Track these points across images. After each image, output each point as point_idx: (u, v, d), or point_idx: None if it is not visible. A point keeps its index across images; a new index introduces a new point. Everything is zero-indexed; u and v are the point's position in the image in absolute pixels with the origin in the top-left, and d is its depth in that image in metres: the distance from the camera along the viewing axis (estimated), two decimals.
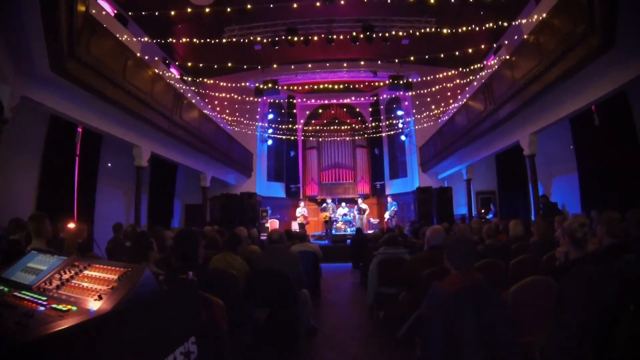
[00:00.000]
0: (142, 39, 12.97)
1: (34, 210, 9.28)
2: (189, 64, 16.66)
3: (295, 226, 20.18)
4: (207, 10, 12.84)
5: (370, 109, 24.48)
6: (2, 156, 7.50)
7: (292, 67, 20.03)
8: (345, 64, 20.05)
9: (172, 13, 12.49)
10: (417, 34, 15.60)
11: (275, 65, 19.14)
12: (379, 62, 19.55)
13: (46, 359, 1.40)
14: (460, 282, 3.02)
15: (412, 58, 16.64)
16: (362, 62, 19.86)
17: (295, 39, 15.49)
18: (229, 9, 13.15)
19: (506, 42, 14.27)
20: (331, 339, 6.25)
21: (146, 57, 12.18)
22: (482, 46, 15.48)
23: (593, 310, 2.87)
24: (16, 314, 1.64)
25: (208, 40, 14.14)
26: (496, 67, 12.42)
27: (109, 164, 12.95)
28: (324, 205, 20.64)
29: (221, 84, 18.34)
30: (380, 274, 6.48)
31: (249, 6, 13.35)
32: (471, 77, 17.01)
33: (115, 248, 8.14)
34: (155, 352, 1.86)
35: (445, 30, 14.47)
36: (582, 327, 2.84)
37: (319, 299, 8.73)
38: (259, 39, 16.02)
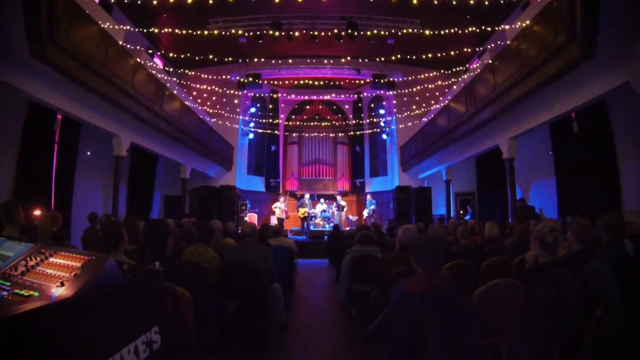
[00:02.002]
0: (126, 27, 12.86)
1: (9, 198, 9.20)
2: (173, 55, 16.54)
3: (273, 220, 20.21)
4: (190, 0, 12.73)
5: (352, 107, 24.59)
6: None
7: (275, 61, 19.96)
8: (328, 61, 20.01)
9: (156, 2, 12.36)
10: (401, 34, 15.64)
11: (258, 60, 19.06)
12: (363, 61, 19.56)
13: (3, 342, 1.43)
14: (427, 282, 3.02)
15: (394, 57, 16.76)
16: (346, 60, 19.88)
17: (277, 33, 15.45)
18: (211, 0, 13.06)
19: (490, 46, 14.39)
20: (302, 334, 6.29)
21: (129, 46, 12.11)
22: (466, 49, 15.59)
23: (559, 314, 2.92)
24: None
25: (192, 31, 14.09)
26: (479, 70, 12.53)
27: (88, 153, 12.79)
28: (301, 200, 20.66)
29: (204, 76, 18.28)
30: (353, 272, 6.54)
31: None
32: (454, 80, 17.15)
33: (90, 237, 8.10)
34: (115, 339, 1.89)
35: (429, 32, 14.58)
36: (548, 330, 2.90)
37: (293, 295, 8.75)
38: (240, 32, 15.95)
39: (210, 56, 16.42)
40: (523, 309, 3.17)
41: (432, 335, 2.80)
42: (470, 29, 13.66)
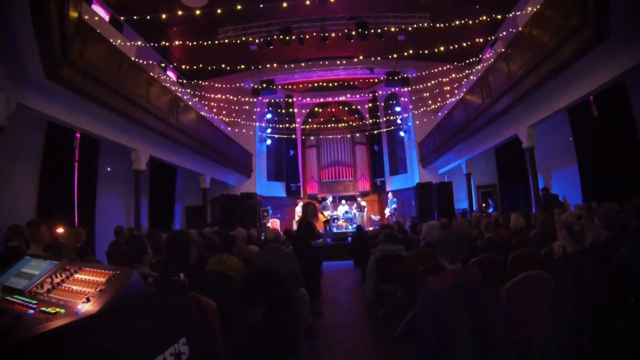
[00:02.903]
0: (138, 43, 12.97)
1: (34, 216, 9.35)
2: (185, 67, 16.66)
3: (295, 225, 20.15)
4: (198, 12, 12.82)
5: (368, 106, 24.44)
6: (1, 163, 7.52)
7: (288, 66, 20.03)
8: (341, 62, 19.96)
9: (165, 16, 12.47)
10: (412, 29, 15.55)
11: (270, 65, 19.08)
12: (375, 59, 19.49)
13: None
14: (453, 280, 2.97)
15: (406, 54, 16.54)
16: (358, 59, 19.77)
17: (288, 37, 15.48)
18: (219, 10, 13.13)
19: (502, 34, 14.21)
20: (329, 338, 6.26)
21: (142, 61, 12.17)
22: (479, 40, 15.46)
23: (589, 305, 2.84)
24: (6, 317, 1.69)
25: (202, 42, 14.18)
26: (492, 60, 12.40)
27: (108, 169, 12.97)
28: (323, 203, 20.59)
29: (217, 85, 18.37)
30: (378, 271, 6.49)
31: (238, 7, 13.30)
32: (468, 71, 17.00)
33: (115, 252, 8.17)
34: (143, 353, 1.89)
35: (439, 25, 14.49)
36: (578, 322, 2.81)
37: (319, 298, 8.74)
38: (250, 39, 16.01)
39: (223, 65, 16.38)
40: (552, 301, 3.07)
41: (461, 333, 2.76)
42: (480, 18, 13.53)
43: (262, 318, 4.50)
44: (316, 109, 25.16)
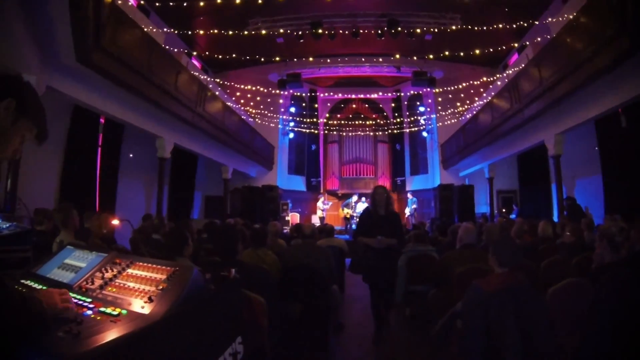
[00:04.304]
0: (166, 30, 12.94)
1: (56, 201, 9.34)
2: (211, 57, 16.57)
3: (315, 219, 20.10)
4: (237, 1, 12.54)
5: (392, 105, 24.25)
6: (26, 147, 7.43)
7: (314, 60, 19.80)
8: (368, 59, 19.83)
9: (196, 4, 12.36)
10: (441, 29, 15.38)
11: (298, 59, 18.95)
12: (403, 58, 19.20)
13: None
14: (502, 282, 3.01)
15: (432, 56, 16.44)
16: (385, 58, 19.60)
17: (320, 31, 15.32)
18: (260, 0, 12.92)
19: (533, 40, 13.99)
20: (358, 335, 6.18)
21: (168, 49, 12.12)
22: (506, 46, 15.38)
23: (627, 315, 2.78)
24: (63, 319, 1.51)
25: (231, 32, 14.05)
26: (523, 65, 12.19)
27: (131, 155, 12.97)
28: (347, 201, 20.45)
29: (243, 76, 18.29)
30: (408, 271, 6.35)
31: None
32: (497, 76, 16.77)
33: (140, 239, 8.01)
34: (206, 355, 1.76)
35: (469, 27, 14.30)
36: (615, 331, 2.76)
37: (344, 294, 8.62)
38: (281, 31, 15.83)
39: (249, 57, 16.38)
40: (590, 308, 3.04)
41: (509, 335, 2.81)
42: (510, 23, 13.42)
43: (299, 314, 4.46)
44: (340, 105, 24.96)
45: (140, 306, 1.62)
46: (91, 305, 1.66)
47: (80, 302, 1.71)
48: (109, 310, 1.59)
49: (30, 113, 1.61)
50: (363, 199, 20.57)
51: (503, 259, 3.17)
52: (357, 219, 18.68)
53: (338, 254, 7.83)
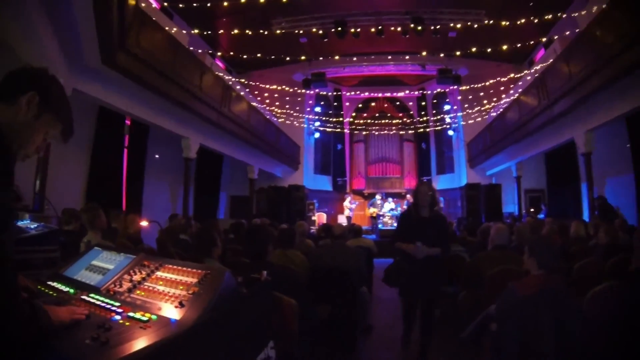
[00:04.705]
0: (190, 31, 13.00)
1: (83, 201, 9.44)
2: (235, 57, 16.60)
3: (341, 219, 20.07)
4: (261, 0, 12.49)
5: (416, 103, 24.09)
6: (54, 149, 7.52)
7: (339, 60, 19.68)
8: (393, 57, 19.72)
9: (219, 5, 12.38)
10: (466, 25, 15.15)
11: (321, 59, 18.89)
12: (427, 56, 18.98)
13: None
14: (539, 285, 2.94)
15: (459, 53, 16.26)
16: (409, 56, 19.46)
17: (345, 29, 15.24)
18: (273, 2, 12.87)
19: (560, 35, 13.68)
20: (386, 336, 6.08)
21: (192, 50, 12.17)
22: (532, 40, 15.18)
23: None
24: (90, 324, 1.44)
25: (254, 32, 14.03)
26: (550, 60, 11.98)
27: (157, 156, 13.06)
28: (373, 200, 20.32)
29: (267, 77, 18.30)
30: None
31: None
32: (525, 71, 16.56)
33: (166, 239, 8.00)
34: None
35: (494, 23, 14.06)
36: None
37: (372, 296, 8.52)
38: (303, 31, 15.75)
39: (273, 57, 16.33)
40: (628, 312, 3.02)
41: (545, 340, 2.76)
42: (536, 17, 13.21)
43: (328, 316, 4.38)
44: (364, 104, 24.83)
45: (170, 311, 1.55)
46: (119, 310, 1.59)
47: (108, 306, 1.64)
48: (138, 315, 1.52)
49: (54, 108, 1.54)
50: (390, 199, 20.43)
51: (544, 260, 3.07)
52: (387, 219, 18.68)
53: (366, 255, 7.73)
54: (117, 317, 1.53)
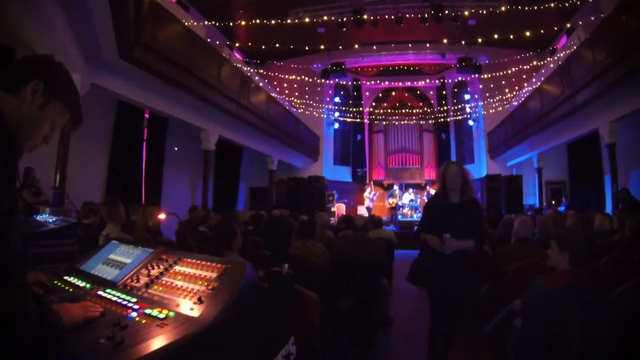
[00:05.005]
0: (207, 23, 12.99)
1: (102, 194, 9.54)
2: (252, 48, 16.59)
3: (361, 210, 19.98)
4: None
5: (437, 93, 23.91)
6: (74, 143, 7.57)
7: (357, 49, 19.49)
8: (412, 46, 19.61)
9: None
10: (486, 12, 14.88)
11: (341, 48, 18.73)
12: (447, 44, 18.73)
13: None
14: (568, 280, 2.86)
15: (480, 40, 16.04)
16: (430, 44, 19.28)
17: (365, 17, 15.23)
18: None
19: (584, 20, 13.36)
20: (406, 330, 5.96)
21: (209, 41, 12.17)
22: (554, 26, 14.91)
23: None
24: (105, 322, 1.37)
25: (272, 22, 13.97)
26: (575, 47, 11.78)
27: (175, 148, 13.12)
28: (391, 191, 20.20)
29: (284, 67, 18.26)
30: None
31: None
32: (548, 59, 16.26)
33: (185, 231, 7.99)
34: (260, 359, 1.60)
35: (514, 8, 13.83)
36: None
37: (392, 288, 8.43)
38: (325, 18, 15.66)
39: (292, 46, 16.28)
40: None
41: (573, 335, 2.67)
42: (558, 3, 13.04)
43: (349, 308, 4.29)
44: (384, 94, 24.66)
45: (189, 308, 1.47)
46: (136, 307, 1.51)
47: (125, 303, 1.57)
48: (155, 312, 1.44)
49: (60, 95, 1.47)
50: (410, 189, 20.25)
51: (576, 255, 2.98)
52: (407, 210, 18.50)
53: (387, 246, 7.64)
54: (134, 314, 1.46)
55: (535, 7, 13.14)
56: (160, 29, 7.98)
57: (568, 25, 14.99)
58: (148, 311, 1.46)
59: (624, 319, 3.15)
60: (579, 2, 12.79)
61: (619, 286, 3.26)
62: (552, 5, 12.94)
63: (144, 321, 1.39)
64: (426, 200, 18.91)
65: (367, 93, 24.14)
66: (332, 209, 18.73)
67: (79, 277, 1.96)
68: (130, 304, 1.56)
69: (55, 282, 1.92)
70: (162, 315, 1.41)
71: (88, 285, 1.85)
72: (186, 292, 1.59)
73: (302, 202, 15.97)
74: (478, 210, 4.27)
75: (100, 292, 1.73)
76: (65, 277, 1.98)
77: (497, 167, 20.06)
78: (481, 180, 17.81)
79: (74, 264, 2.21)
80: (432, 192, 19.67)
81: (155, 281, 1.75)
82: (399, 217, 18.44)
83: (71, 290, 1.82)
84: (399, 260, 12.18)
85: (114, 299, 1.65)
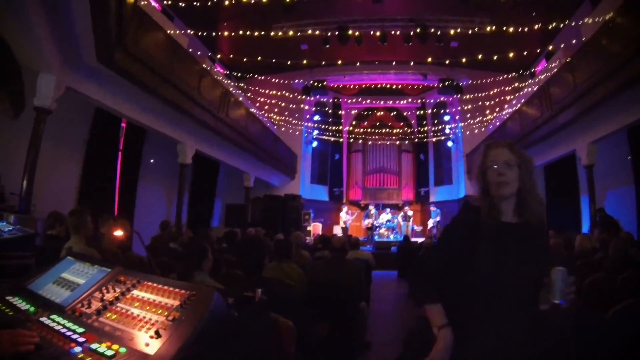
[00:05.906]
0: (190, 32, 12.87)
1: (75, 204, 9.20)
2: (234, 61, 16.49)
3: (337, 230, 19.85)
4: (264, 0, 12.29)
5: (417, 113, 23.94)
6: (46, 149, 7.30)
7: (340, 66, 19.40)
8: (394, 65, 19.69)
9: (220, 8, 12.22)
10: (470, 33, 15.11)
11: (323, 65, 18.69)
12: (430, 64, 18.81)
13: None
14: None
15: (464, 59, 16.04)
16: (412, 64, 19.24)
17: (350, 32, 15.25)
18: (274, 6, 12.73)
19: (564, 44, 13.54)
20: (385, 355, 5.73)
21: (195, 52, 12.02)
22: (537, 50, 15.36)
23: None
24: (41, 357, 1.15)
25: (255, 34, 13.86)
26: (555, 70, 11.84)
27: (152, 160, 12.87)
28: (367, 211, 20.10)
29: (268, 81, 18.17)
30: None
31: None
32: (529, 82, 16.46)
33: (157, 247, 7.72)
34: None
35: (497, 30, 13.97)
36: None
37: (369, 310, 8.25)
38: (309, 32, 15.64)
39: (274, 60, 16.20)
40: None
41: None
42: (540, 27, 13.08)
43: (326, 333, 4.12)
44: (364, 113, 24.69)
45: (144, 343, 1.26)
46: (82, 339, 1.29)
47: (69, 334, 1.34)
48: (103, 347, 1.22)
49: None
50: (387, 209, 20.20)
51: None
52: (383, 230, 18.43)
53: (365, 268, 7.46)
54: (77, 349, 1.24)
55: (519, 29, 13.18)
56: (142, 35, 7.79)
57: (550, 47, 15.17)
58: (94, 346, 1.24)
59: (622, 338, 3.11)
60: (561, 25, 12.96)
61: (606, 305, 3.23)
62: (535, 27, 13.00)
63: (88, 359, 1.16)
64: (402, 222, 18.93)
65: (348, 111, 24.14)
66: (308, 228, 18.66)
67: (24, 299, 1.73)
68: (75, 335, 1.33)
69: None
70: (110, 353, 1.20)
71: (32, 309, 1.62)
72: (142, 323, 1.37)
73: (278, 220, 15.85)
74: (545, 237, 2.46)
75: (43, 319, 1.50)
76: (8, 298, 1.73)
77: (476, 188, 19.89)
78: (459, 202, 17.85)
79: (24, 281, 1.98)
80: (410, 213, 19.62)
81: (109, 307, 1.53)
82: (375, 237, 18.36)
83: (11, 313, 1.58)
84: (377, 282, 12.11)
85: (58, 327, 1.42)
